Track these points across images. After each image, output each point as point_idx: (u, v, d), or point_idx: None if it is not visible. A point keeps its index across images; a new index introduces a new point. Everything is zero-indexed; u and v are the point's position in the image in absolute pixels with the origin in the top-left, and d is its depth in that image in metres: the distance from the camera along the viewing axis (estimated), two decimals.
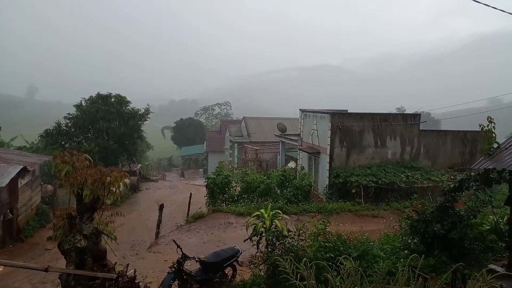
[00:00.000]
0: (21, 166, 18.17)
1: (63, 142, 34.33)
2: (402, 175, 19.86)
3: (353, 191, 19.06)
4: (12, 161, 19.26)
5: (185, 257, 8.78)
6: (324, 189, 20.79)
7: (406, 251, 8.87)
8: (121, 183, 5.55)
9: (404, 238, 9.72)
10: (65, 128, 35.17)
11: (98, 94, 36.87)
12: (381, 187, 19.18)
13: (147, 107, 40.13)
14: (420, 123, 22.25)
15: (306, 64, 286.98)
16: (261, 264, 8.22)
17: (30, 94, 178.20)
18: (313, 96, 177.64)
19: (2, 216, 16.93)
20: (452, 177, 17.95)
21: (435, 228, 8.99)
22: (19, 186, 19.01)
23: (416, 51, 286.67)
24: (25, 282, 12.17)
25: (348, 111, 24.68)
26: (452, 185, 9.56)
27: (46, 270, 4.94)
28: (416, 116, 22.65)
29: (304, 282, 5.57)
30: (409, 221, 9.84)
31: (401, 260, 7.93)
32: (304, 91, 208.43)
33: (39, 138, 35.72)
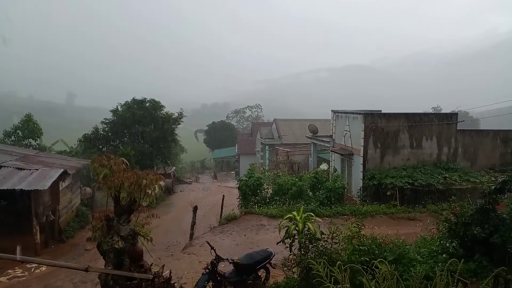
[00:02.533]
0: (62, 170, 18.96)
1: (100, 146, 35.57)
2: (439, 177, 19.24)
3: (388, 193, 18.62)
4: (54, 165, 20.13)
5: (218, 259, 8.87)
6: (358, 191, 20.44)
7: (444, 255, 8.57)
8: (156, 186, 5.68)
9: (442, 241, 9.40)
10: (102, 132, 36.43)
11: (133, 99, 37.97)
12: (417, 189, 18.64)
13: (181, 111, 40.97)
14: (458, 123, 21.50)
15: (336, 65, 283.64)
16: (294, 266, 8.18)
17: (69, 100, 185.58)
18: (344, 97, 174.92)
19: (44, 217, 17.71)
20: (493, 178, 17.22)
21: (475, 232, 8.64)
22: (60, 189, 19.83)
23: (450, 49, 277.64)
24: (66, 281, 12.66)
25: (382, 112, 24.16)
26: (493, 187, 9.16)
27: (86, 270, 5.12)
28: (453, 116, 21.90)
29: (338, 286, 5.51)
30: (447, 224, 9.50)
31: (439, 264, 7.67)
32: (335, 92, 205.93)
33: (78, 142, 37.17)
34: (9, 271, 14.54)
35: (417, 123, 20.72)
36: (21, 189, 15.86)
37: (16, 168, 17.83)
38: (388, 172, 19.54)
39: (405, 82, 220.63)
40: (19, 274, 14.43)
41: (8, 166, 17.81)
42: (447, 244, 9.07)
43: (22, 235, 16.55)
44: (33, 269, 14.80)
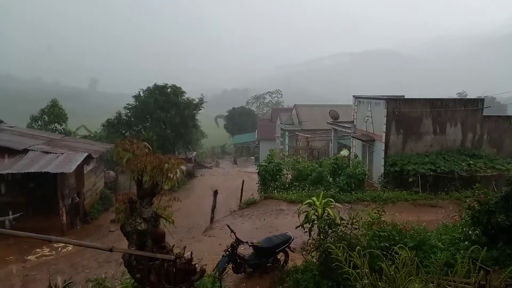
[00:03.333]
0: (86, 154, 19.44)
1: (123, 131, 36.18)
2: (463, 163, 18.84)
3: (410, 179, 18.37)
4: (79, 149, 20.65)
5: (238, 242, 9.02)
6: (379, 178, 20.24)
7: (466, 243, 8.46)
8: (178, 170, 5.76)
9: (464, 229, 9.26)
10: (125, 118, 37.02)
11: (155, 85, 38.32)
12: (440, 176, 18.33)
13: (201, 96, 41.14)
14: (484, 109, 20.88)
15: (358, 50, 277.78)
16: (313, 251, 8.23)
17: (92, 86, 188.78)
18: (367, 82, 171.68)
19: (70, 199, 18.28)
20: None
21: (499, 219, 8.47)
22: (84, 172, 20.38)
23: (478, 33, 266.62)
24: (92, 261, 13.11)
25: (405, 97, 23.68)
26: None
27: (110, 250, 5.27)
28: (479, 101, 21.28)
29: (357, 270, 5.52)
30: (470, 211, 9.34)
31: (461, 251, 7.59)
32: (357, 77, 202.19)
33: (102, 127, 37.90)
34: (37, 250, 15.15)
35: (441, 109, 20.24)
36: (47, 171, 16.38)
37: (43, 151, 18.38)
38: (410, 159, 19.25)
39: (430, 67, 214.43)
40: (46, 253, 15.01)
41: (35, 150, 18.37)
42: (470, 232, 8.94)
43: (49, 216, 17.18)
44: (60, 248, 15.37)
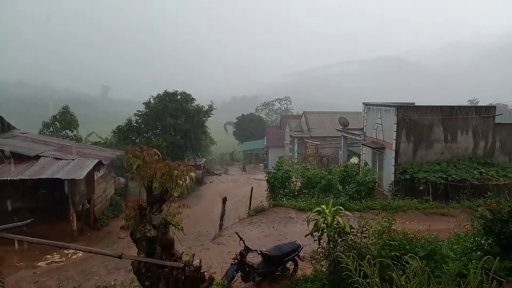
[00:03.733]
0: (97, 160, 19.59)
1: (133, 138, 36.51)
2: (474, 172, 18.61)
3: (421, 188, 18.20)
4: (89, 155, 20.83)
5: (247, 250, 8.99)
6: (389, 186, 20.07)
7: (478, 252, 8.31)
8: (187, 177, 5.76)
9: (476, 238, 9.10)
10: (135, 124, 37.37)
11: (165, 92, 38.68)
12: (451, 184, 18.12)
13: (211, 103, 41.37)
14: (496, 116, 20.65)
15: (366, 57, 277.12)
16: (322, 259, 8.17)
17: (103, 93, 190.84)
18: (375, 89, 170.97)
19: (81, 206, 18.41)
20: None
21: None
22: (95, 179, 20.52)
23: (488, 39, 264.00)
24: (101, 267, 13.15)
25: (415, 104, 23.53)
26: None
27: (120, 257, 5.29)
28: (490, 109, 21.06)
29: (367, 280, 5.46)
30: (482, 221, 9.19)
31: (473, 261, 7.46)
32: (365, 84, 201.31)
33: (112, 134, 38.27)
34: (48, 256, 15.26)
35: (452, 116, 20.06)
36: (58, 178, 16.54)
37: (54, 158, 18.58)
38: (421, 167, 19.07)
39: (440, 74, 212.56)
40: (57, 259, 15.12)
41: (47, 156, 18.58)
42: (482, 241, 8.78)
43: (60, 222, 17.29)
44: (70, 255, 15.47)
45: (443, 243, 8.60)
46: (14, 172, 16.66)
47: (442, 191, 18.07)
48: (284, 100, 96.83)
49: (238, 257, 8.88)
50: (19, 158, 17.73)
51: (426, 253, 7.66)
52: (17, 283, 12.28)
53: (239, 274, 8.96)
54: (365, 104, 25.03)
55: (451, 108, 20.59)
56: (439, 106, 20.77)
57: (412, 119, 19.76)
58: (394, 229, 8.21)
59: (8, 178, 16.24)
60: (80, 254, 15.32)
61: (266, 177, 19.64)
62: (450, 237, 10.26)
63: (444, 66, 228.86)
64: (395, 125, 19.82)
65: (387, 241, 7.70)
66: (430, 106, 20.71)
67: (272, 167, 20.29)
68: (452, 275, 5.84)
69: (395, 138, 19.84)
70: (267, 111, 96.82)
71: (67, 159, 18.53)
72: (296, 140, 42.51)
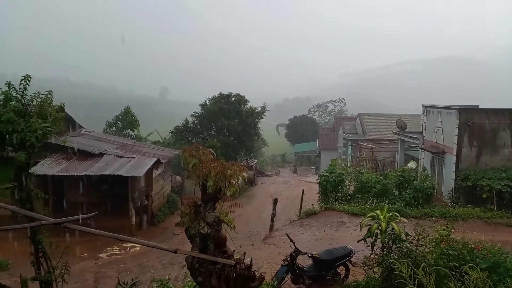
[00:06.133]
0: (156, 158, 20.50)
1: (190, 138, 37.68)
2: None
3: (484, 195, 17.11)
4: (148, 154, 21.84)
5: (298, 252, 8.97)
6: (449, 193, 19.06)
7: None
8: (240, 176, 5.88)
9: None
10: (191, 125, 38.59)
11: (220, 94, 39.55)
12: None
13: (264, 105, 41.68)
14: None
15: (429, 56, 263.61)
16: (375, 266, 7.97)
17: (162, 94, 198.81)
18: (437, 90, 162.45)
19: (139, 202, 19.33)
20: None
21: None
22: (153, 176, 21.46)
23: None
24: (156, 262, 13.75)
25: (480, 107, 22.17)
26: None
27: (175, 252, 5.50)
28: None
29: None
30: None
31: None
32: (427, 85, 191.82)
33: (170, 134, 39.80)
34: (108, 248, 16.20)
35: None
36: (120, 175, 17.50)
37: (116, 155, 19.69)
38: (484, 173, 17.92)
39: (509, 76, 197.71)
40: (116, 252, 16.01)
41: (110, 154, 19.73)
42: None
43: (120, 216, 18.29)
44: (128, 248, 16.31)
45: (508, 256, 8.03)
46: (80, 168, 17.88)
47: (508, 200, 16.88)
48: (338, 102, 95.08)
49: (288, 259, 8.89)
50: (85, 155, 18.98)
51: (489, 265, 7.21)
52: (81, 272, 13.16)
53: (289, 276, 8.97)
54: (425, 106, 23.97)
55: None
56: (506, 109, 19.41)
57: (476, 123, 18.65)
58: (453, 238, 7.82)
59: (75, 174, 17.47)
60: (138, 248, 16.11)
61: (318, 180, 19.43)
62: None
63: None
64: (457, 129, 18.81)
65: (446, 250, 7.35)
66: (495, 109, 19.43)
67: (325, 170, 20.00)
68: None
69: (456, 143, 18.83)
70: (320, 112, 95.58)
71: (128, 157, 19.56)
72: (350, 142, 41.59)
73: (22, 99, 7.22)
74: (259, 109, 40.69)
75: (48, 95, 7.47)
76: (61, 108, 8.02)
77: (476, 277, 5.15)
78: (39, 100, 7.39)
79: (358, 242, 8.48)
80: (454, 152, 18.91)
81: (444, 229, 7.89)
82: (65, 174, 17.56)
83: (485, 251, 7.69)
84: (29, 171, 7.15)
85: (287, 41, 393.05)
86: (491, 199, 16.93)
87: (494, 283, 5.85)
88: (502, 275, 7.11)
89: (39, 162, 17.33)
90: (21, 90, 7.20)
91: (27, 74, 7.22)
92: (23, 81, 7.18)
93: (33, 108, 7.28)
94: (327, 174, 18.90)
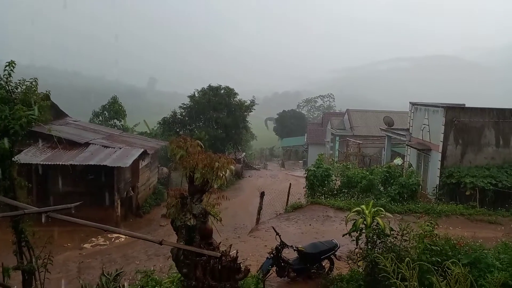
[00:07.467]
0: (142, 149, 20.31)
1: (177, 129, 37.42)
2: None
3: (467, 193, 17.41)
4: (135, 145, 21.63)
5: (283, 245, 9.02)
6: (434, 189, 19.37)
7: None
8: (227, 169, 5.86)
9: None
10: (179, 116, 38.29)
11: (209, 86, 39.31)
12: (501, 191, 17.19)
13: (253, 99, 41.57)
14: None
15: (418, 54, 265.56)
16: (359, 260, 8.06)
17: (150, 84, 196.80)
18: (425, 88, 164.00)
19: (125, 193, 19.18)
20: None
21: None
22: (140, 167, 21.29)
23: None
24: (142, 253, 13.70)
25: (465, 105, 22.49)
26: None
27: (160, 243, 5.47)
28: None
29: (406, 283, 5.34)
30: None
31: None
32: (415, 83, 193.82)
33: (158, 125, 39.47)
34: (93, 238, 16.08)
35: (506, 119, 19.00)
36: (106, 165, 17.31)
37: (102, 145, 19.46)
38: (468, 171, 18.24)
39: (498, 75, 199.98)
40: (101, 243, 15.90)
41: (96, 144, 19.49)
42: None
43: (105, 207, 18.14)
44: (113, 239, 16.21)
45: (489, 252, 8.21)
46: (65, 158, 17.62)
47: (491, 198, 17.21)
48: (327, 97, 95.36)
49: (273, 252, 8.94)
50: (71, 144, 18.71)
51: (470, 260, 7.36)
52: (65, 263, 13.05)
53: (274, 268, 9.02)
54: (412, 104, 24.22)
55: (504, 110, 19.52)
56: (491, 108, 19.74)
57: (462, 121, 18.93)
58: (436, 233, 7.95)
59: (60, 163, 17.21)
60: (123, 239, 16.02)
61: (305, 174, 19.54)
62: (497, 246, 9.75)
63: (504, 66, 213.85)
64: (443, 127, 19.07)
65: (429, 246, 7.47)
66: (481, 108, 19.74)
67: (312, 165, 20.11)
68: (497, 285, 5.60)
69: (442, 140, 19.10)
70: (309, 107, 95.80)
71: (114, 147, 19.35)
72: (337, 138, 41.88)
73: (7, 86, 7.05)
74: (248, 102, 40.59)
75: (33, 83, 7.31)
76: (47, 96, 7.84)
77: (458, 272, 5.24)
78: (24, 87, 7.23)
79: (343, 236, 8.55)
80: (440, 149, 19.18)
81: (427, 225, 8.01)
82: (49, 163, 17.28)
83: (467, 247, 7.83)
84: (13, 159, 7.00)
85: (278, 35, 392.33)
86: (474, 197, 17.24)
87: (475, 278, 5.96)
88: (482, 271, 7.26)
89: (23, 150, 17.03)
90: (5, 76, 7.03)
91: (11, 60, 7.05)
92: (7, 67, 7.01)
93: (18, 95, 7.13)
94: (314, 168, 19.01)
